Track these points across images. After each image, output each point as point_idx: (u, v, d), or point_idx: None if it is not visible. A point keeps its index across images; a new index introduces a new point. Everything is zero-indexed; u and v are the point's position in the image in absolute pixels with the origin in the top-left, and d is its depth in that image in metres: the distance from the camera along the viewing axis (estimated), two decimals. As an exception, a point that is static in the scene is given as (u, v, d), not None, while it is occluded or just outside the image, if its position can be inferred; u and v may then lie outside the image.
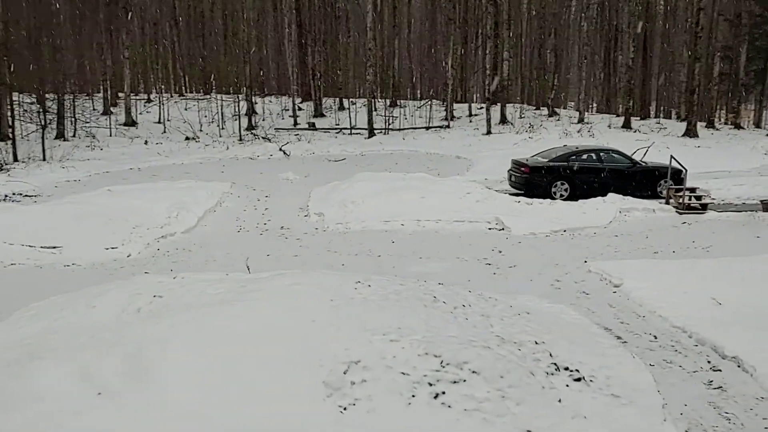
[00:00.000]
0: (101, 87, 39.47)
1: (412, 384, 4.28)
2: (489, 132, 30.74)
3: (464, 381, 4.40)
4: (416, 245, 12.29)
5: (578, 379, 5.03)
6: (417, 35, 46.34)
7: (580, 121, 32.76)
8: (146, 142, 31.36)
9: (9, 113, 27.20)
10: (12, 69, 28.15)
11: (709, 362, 6.60)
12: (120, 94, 39.84)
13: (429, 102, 37.62)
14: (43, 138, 25.75)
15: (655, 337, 7.25)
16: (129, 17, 38.11)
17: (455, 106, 38.10)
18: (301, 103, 40.23)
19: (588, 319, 7.39)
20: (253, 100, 38.57)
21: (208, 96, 41.14)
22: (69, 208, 13.05)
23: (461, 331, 5.17)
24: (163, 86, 45.65)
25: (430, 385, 4.34)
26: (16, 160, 23.87)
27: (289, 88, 39.81)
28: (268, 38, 43.84)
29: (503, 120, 33.37)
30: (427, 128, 33.37)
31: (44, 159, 25.02)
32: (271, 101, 42.38)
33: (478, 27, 36.64)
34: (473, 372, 4.51)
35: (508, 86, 35.60)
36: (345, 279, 6.15)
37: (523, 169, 17.75)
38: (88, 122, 33.52)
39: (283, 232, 13.85)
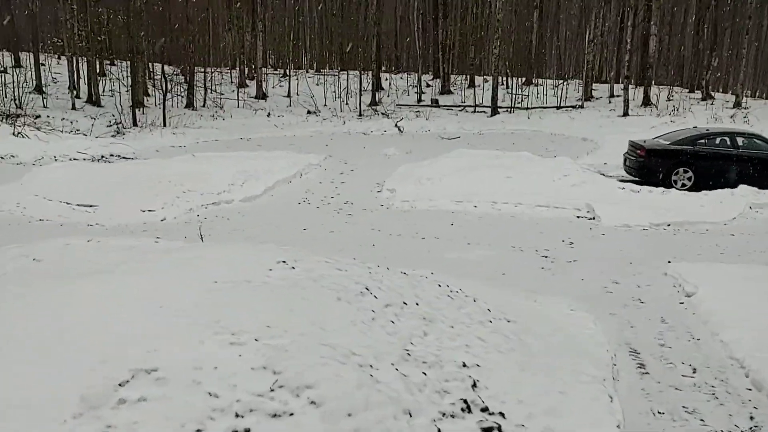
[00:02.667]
0: (237, 61, 40.58)
1: (210, 412, 2.94)
2: (626, 114, 27.65)
3: (290, 415, 2.98)
4: (476, 229, 10.65)
5: (488, 429, 3.40)
6: (564, 8, 43.10)
7: (736, 105, 28.57)
8: (269, 115, 31.59)
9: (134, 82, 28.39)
10: (146, 41, 29.42)
11: (752, 418, 4.55)
12: (264, 69, 40.75)
13: (565, 81, 34.75)
14: (164, 106, 26.55)
15: (695, 371, 5.26)
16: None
17: (596, 85, 34.93)
18: (432, 80, 38.90)
19: (608, 336, 5.55)
20: (381, 76, 37.81)
21: (338, 72, 40.95)
22: (131, 168, 12.78)
23: (357, 339, 3.73)
24: (300, 61, 46.26)
25: (236, 416, 2.97)
26: (135, 124, 24.70)
27: (422, 63, 38.56)
28: (399, 12, 42.71)
29: (646, 102, 29.94)
30: (558, 108, 30.74)
31: (164, 125, 25.77)
32: (402, 78, 41.37)
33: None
34: (312, 402, 3.08)
35: (655, 64, 31.86)
36: (267, 256, 4.86)
37: (638, 151, 15.27)
38: (222, 94, 34.45)
39: (343, 206, 12.74)
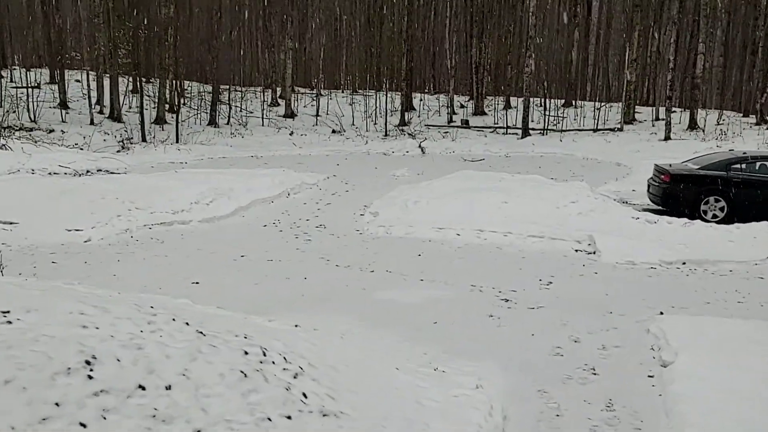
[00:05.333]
0: (270, 79, 40.00)
1: None
2: (667, 138, 25.46)
3: None
4: (443, 263, 9.04)
5: None
6: (610, 24, 40.94)
7: (793, 130, 26.02)
8: (291, 133, 30.61)
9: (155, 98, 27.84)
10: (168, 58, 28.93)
11: None
12: (296, 88, 40.12)
13: (607, 103, 32.67)
14: (177, 121, 25.89)
15: None
16: (295, 11, 38.09)
17: (640, 108, 32.75)
18: (467, 101, 37.35)
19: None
20: (413, 96, 36.54)
21: (371, 91, 39.86)
22: (79, 183, 11.65)
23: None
24: (336, 81, 45.48)
25: None
26: (144, 140, 23.96)
27: (455, 84, 37.09)
28: (434, 31, 41.35)
29: (692, 125, 27.62)
30: (595, 131, 28.70)
31: (177, 141, 25.02)
32: (437, 98, 39.96)
33: (669, 10, 30.80)
34: None
35: (702, 85, 29.49)
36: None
37: (662, 177, 13.35)
38: (251, 112, 33.70)
39: (309, 231, 11.32)
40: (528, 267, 8.92)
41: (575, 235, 10.74)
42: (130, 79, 33.87)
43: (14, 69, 38.37)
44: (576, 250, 10.23)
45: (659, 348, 5.68)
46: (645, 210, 13.15)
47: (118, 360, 3.19)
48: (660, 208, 13.41)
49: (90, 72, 32.34)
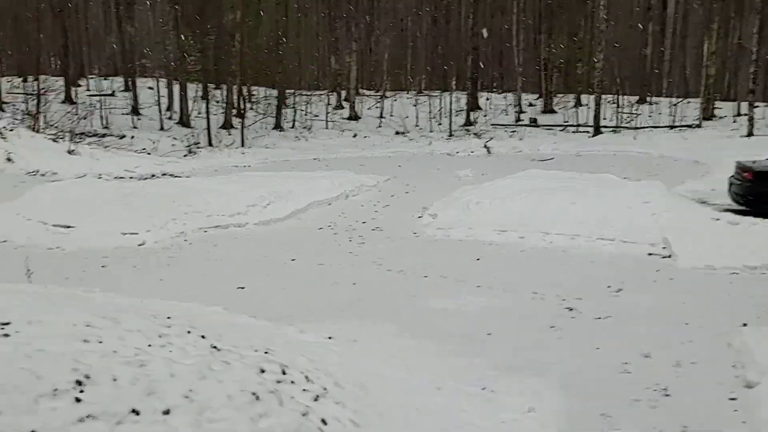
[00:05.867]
0: (335, 83, 40.03)
1: None
2: (750, 134, 23.89)
3: None
4: (504, 267, 8.51)
5: None
6: (687, 16, 38.96)
7: None
8: (355, 136, 30.50)
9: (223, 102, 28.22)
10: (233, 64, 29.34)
11: None
12: (361, 91, 40.12)
13: (684, 99, 31.09)
14: (242, 125, 26.22)
15: None
16: (360, 14, 38.02)
17: (721, 103, 30.99)
18: (536, 99, 36.34)
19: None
20: (479, 95, 35.83)
21: (436, 92, 39.36)
22: (138, 187, 11.70)
23: None
24: (403, 82, 45.16)
25: None
26: (210, 144, 24.29)
27: (523, 82, 36.16)
28: (501, 30, 40.38)
29: (780, 120, 25.87)
30: (671, 127, 27.29)
31: (242, 145, 25.29)
32: (504, 97, 39.07)
33: None
34: None
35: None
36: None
37: (745, 174, 12.33)
38: (316, 116, 33.79)
39: (365, 233, 10.98)
40: (596, 272, 8.29)
41: (648, 238, 9.98)
42: (200, 85, 34.57)
43: (91, 78, 39.82)
44: (649, 254, 9.49)
45: (743, 366, 5.02)
46: (726, 210, 12.17)
47: (115, 379, 2.90)
48: (743, 208, 12.40)
49: (161, 79, 33.15)
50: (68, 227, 9.56)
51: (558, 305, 6.82)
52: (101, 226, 9.70)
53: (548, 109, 33.35)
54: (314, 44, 45.57)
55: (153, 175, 17.09)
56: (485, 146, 25.61)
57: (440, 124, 32.63)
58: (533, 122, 30.80)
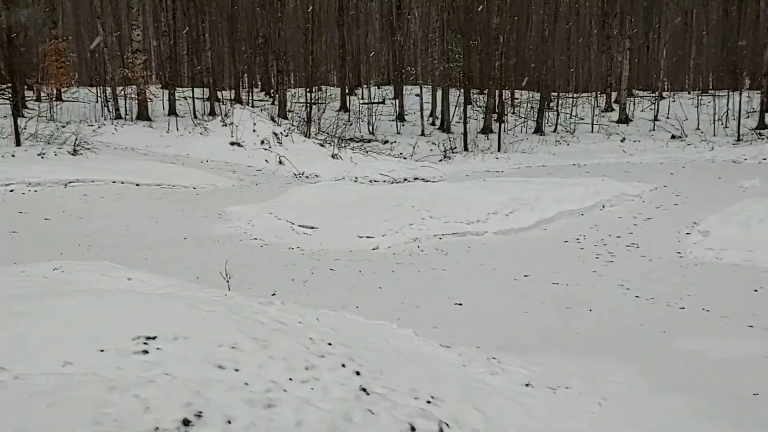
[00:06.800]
0: (606, 83, 37.57)
1: None
2: None
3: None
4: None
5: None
6: None
7: None
8: (623, 140, 28.18)
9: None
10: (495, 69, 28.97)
11: None
12: (635, 92, 37.35)
13: None
14: (500, 129, 25.81)
15: None
16: (637, 8, 35.17)
17: None
18: None
19: None
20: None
21: (724, 91, 34.83)
22: (381, 190, 11.83)
23: None
24: (684, 80, 41.00)
25: None
26: (466, 149, 24.22)
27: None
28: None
29: None
30: None
31: (498, 149, 24.82)
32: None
33: None
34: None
35: None
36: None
37: None
38: (582, 119, 32.08)
39: (616, 250, 9.70)
40: None
41: None
42: (462, 90, 34.91)
43: (366, 87, 42.49)
44: None
45: None
46: None
47: (229, 422, 2.48)
48: None
49: (425, 86, 34.09)
50: (311, 228, 9.88)
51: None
52: (342, 228, 9.87)
53: None
54: (585, 43, 43.40)
55: (405, 179, 17.37)
56: (780, 151, 21.81)
57: (726, 127, 28.71)
58: None
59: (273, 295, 6.31)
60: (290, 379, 2.90)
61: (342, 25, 36.37)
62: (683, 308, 6.57)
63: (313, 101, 34.71)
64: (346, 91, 36.88)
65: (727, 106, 30.11)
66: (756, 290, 7.27)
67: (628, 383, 4.47)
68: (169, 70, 30.82)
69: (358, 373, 3.06)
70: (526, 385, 3.74)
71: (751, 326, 5.98)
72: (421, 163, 19.63)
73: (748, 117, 29.17)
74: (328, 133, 22.68)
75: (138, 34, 26.28)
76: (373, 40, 49.53)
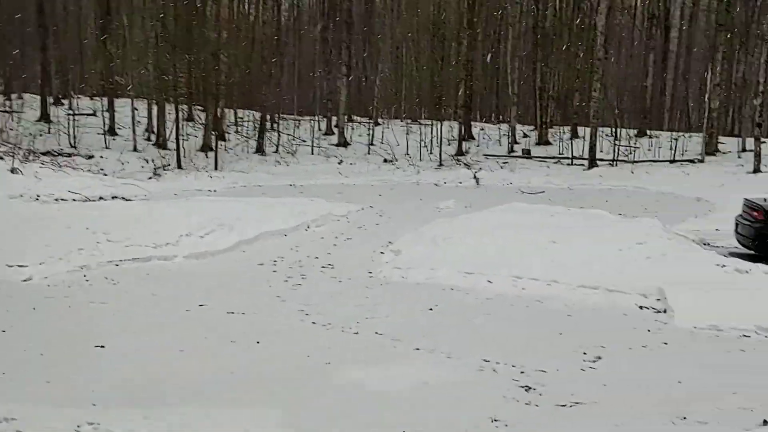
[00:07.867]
0: (327, 107, 38.76)
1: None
2: (757, 170, 22.40)
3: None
4: (458, 321, 6.92)
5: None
6: (690, 47, 37.67)
7: None
8: (340, 162, 29.08)
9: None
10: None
11: None
12: (354, 117, 38.91)
13: (686, 133, 29.70)
14: (216, 148, 24.88)
15: None
16: (353, 37, 36.92)
17: (725, 138, 29.58)
18: (532, 129, 34.95)
19: None
20: (472, 125, 34.54)
21: (430, 121, 38.06)
22: (44, 210, 10.15)
23: None
24: (398, 110, 43.98)
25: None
26: (179, 167, 22.85)
27: (519, 112, 34.86)
28: (498, 59, 39.05)
29: (788, 157, 24.35)
30: (672, 162, 25.84)
31: (216, 168, 23.89)
32: (499, 127, 37.73)
33: (758, 28, 27.51)
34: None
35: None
36: None
37: (755, 214, 10.81)
38: (303, 141, 32.38)
39: (308, 272, 9.39)
40: (572, 331, 6.68)
41: (640, 286, 8.39)
42: (184, 107, 33.26)
43: (79, 98, 38.27)
44: (640, 307, 7.92)
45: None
46: (732, 254, 10.60)
47: None
48: (751, 252, 10.83)
49: (141, 99, 31.81)
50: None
51: (512, 381, 5.18)
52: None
53: (543, 141, 31.95)
54: (309, 68, 44.41)
55: (101, 197, 15.58)
56: (474, 177, 24.16)
57: (431, 153, 31.21)
58: (526, 153, 29.39)
59: None
60: None
61: (43, 26, 32.40)
62: (357, 333, 6.33)
63: (5, 108, 30.38)
64: (51, 100, 32.92)
65: (431, 134, 32.82)
66: (431, 309, 7.38)
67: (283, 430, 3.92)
68: None
69: None
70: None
71: (417, 349, 5.90)
72: (123, 181, 17.86)
73: (449, 144, 32.09)
74: (14, 144, 19.65)
75: None
76: (86, 48, 45.21)
